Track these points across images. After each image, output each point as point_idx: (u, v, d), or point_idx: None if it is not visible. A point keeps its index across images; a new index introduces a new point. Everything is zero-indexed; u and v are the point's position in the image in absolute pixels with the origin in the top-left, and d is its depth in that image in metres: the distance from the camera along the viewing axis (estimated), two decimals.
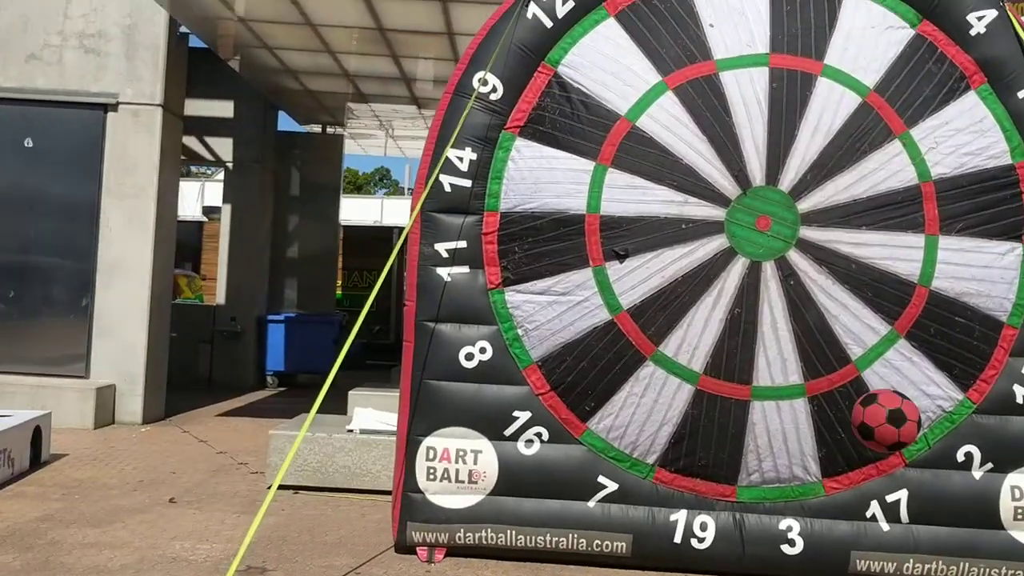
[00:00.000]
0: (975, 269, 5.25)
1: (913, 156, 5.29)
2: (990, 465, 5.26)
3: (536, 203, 5.46)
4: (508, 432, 5.47)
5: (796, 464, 5.33)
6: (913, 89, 5.33)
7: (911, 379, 5.25)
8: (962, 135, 5.30)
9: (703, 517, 5.38)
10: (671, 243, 5.33)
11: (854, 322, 5.24)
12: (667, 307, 5.32)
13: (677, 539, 5.36)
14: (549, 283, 5.43)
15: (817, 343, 5.25)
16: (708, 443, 5.36)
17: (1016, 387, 5.26)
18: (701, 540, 5.35)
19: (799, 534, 5.30)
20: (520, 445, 5.47)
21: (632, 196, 5.38)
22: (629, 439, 5.43)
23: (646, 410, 5.38)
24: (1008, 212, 5.30)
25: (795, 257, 5.27)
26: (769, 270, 5.28)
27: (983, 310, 5.26)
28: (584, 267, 5.40)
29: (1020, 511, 5.23)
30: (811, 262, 5.26)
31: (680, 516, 5.38)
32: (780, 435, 5.31)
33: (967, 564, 5.21)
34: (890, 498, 5.29)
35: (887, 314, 5.18)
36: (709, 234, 5.32)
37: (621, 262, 5.36)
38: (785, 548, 5.29)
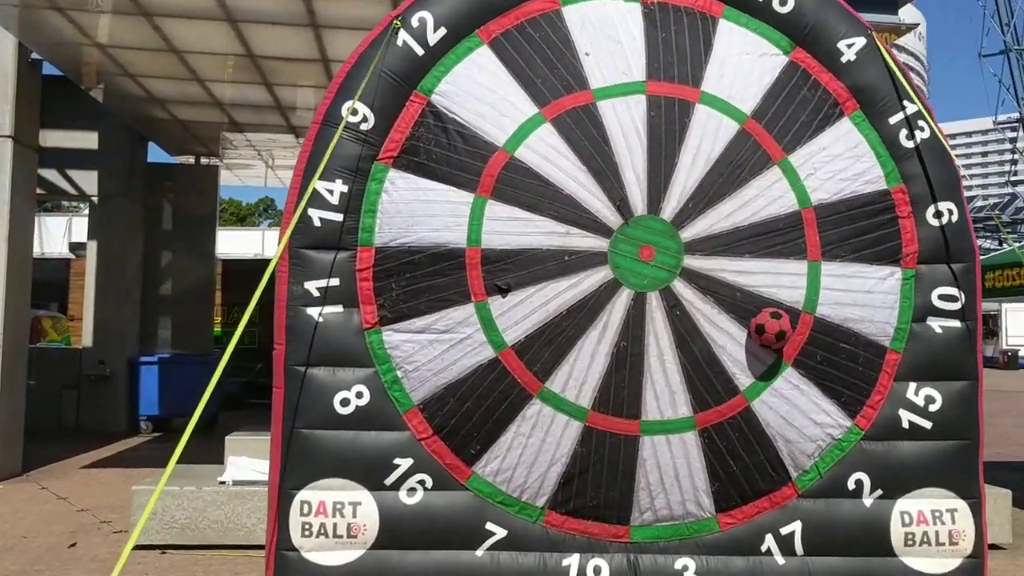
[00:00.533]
0: (858, 294, 5.23)
1: (793, 182, 5.25)
2: (880, 492, 5.22)
3: (413, 237, 5.17)
4: (389, 481, 5.13)
5: (689, 500, 5.17)
6: (790, 115, 5.30)
7: (800, 407, 5.17)
8: (839, 161, 5.29)
9: (596, 560, 5.16)
10: (555, 275, 5.12)
11: (741, 352, 5.13)
12: (552, 341, 5.10)
13: None
14: (429, 321, 5.14)
15: (705, 374, 5.11)
16: (599, 482, 5.15)
17: (901, 412, 5.25)
18: None
19: (695, 572, 5.13)
20: (402, 494, 5.14)
21: (514, 228, 5.15)
22: (517, 482, 5.16)
23: (534, 450, 5.13)
24: (886, 236, 5.31)
25: (680, 287, 5.14)
26: (655, 301, 5.13)
27: (867, 335, 5.24)
28: (466, 303, 5.13)
29: (910, 536, 5.20)
30: (696, 291, 5.14)
31: (573, 560, 5.14)
32: (672, 470, 5.14)
33: None
34: (784, 530, 5.18)
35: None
36: (593, 265, 5.13)
37: (504, 296, 5.12)
38: None
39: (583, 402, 5.10)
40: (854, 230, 5.28)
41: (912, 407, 5.25)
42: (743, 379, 5.13)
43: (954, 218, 5.37)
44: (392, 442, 5.14)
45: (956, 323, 5.33)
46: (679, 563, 5.15)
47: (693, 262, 5.15)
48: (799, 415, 5.17)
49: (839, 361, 5.20)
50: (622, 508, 5.17)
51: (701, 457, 5.13)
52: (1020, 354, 43.71)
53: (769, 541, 5.17)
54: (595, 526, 5.19)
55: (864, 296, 5.24)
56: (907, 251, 5.32)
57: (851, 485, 5.22)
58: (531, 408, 5.11)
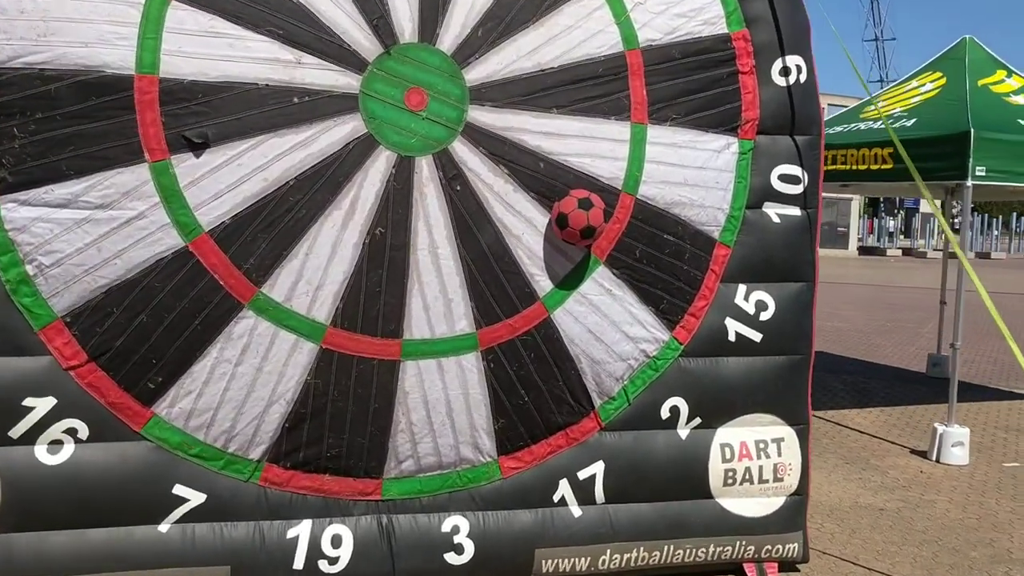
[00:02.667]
0: (688, 171, 3.98)
1: (617, 13, 3.82)
2: (698, 420, 4.15)
3: (47, 54, 3.24)
4: (17, 432, 3.35)
5: (465, 442, 3.81)
6: None
7: (612, 318, 3.91)
8: None
9: (336, 527, 3.71)
10: (278, 126, 3.42)
11: (542, 245, 3.75)
12: (273, 227, 3.45)
13: (298, 564, 3.65)
14: (77, 188, 3.29)
15: (494, 276, 3.70)
16: (341, 424, 3.65)
17: (728, 321, 4.15)
18: (334, 561, 3.68)
19: (468, 535, 3.83)
20: (39, 450, 3.39)
21: (213, 48, 3.36)
22: (221, 427, 3.55)
23: (246, 383, 3.53)
24: (725, 96, 4.07)
25: (462, 151, 3.63)
26: (426, 169, 3.59)
27: (695, 224, 4.03)
28: (136, 162, 3.32)
29: (731, 475, 4.19)
30: (485, 158, 3.65)
31: (302, 530, 3.67)
32: (443, 405, 3.74)
33: (671, 547, 4.10)
34: (583, 474, 3.98)
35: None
36: (336, 113, 3.48)
37: (198, 155, 3.36)
38: (450, 557, 3.80)
39: (319, 315, 3.53)
40: (688, 85, 3.98)
41: (740, 315, 4.16)
42: (543, 282, 3.77)
43: (802, 77, 4.21)
44: (19, 374, 3.33)
45: (796, 210, 4.25)
46: (448, 523, 3.83)
47: (481, 116, 3.64)
48: (609, 328, 3.92)
49: (661, 258, 3.97)
50: (373, 457, 3.72)
51: (484, 386, 3.77)
52: None
53: (563, 488, 3.96)
54: (334, 482, 3.72)
55: (696, 173, 4.00)
56: (746, 117, 4.12)
57: (665, 413, 4.10)
58: (241, 323, 3.47)
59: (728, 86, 4.06)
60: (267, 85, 3.40)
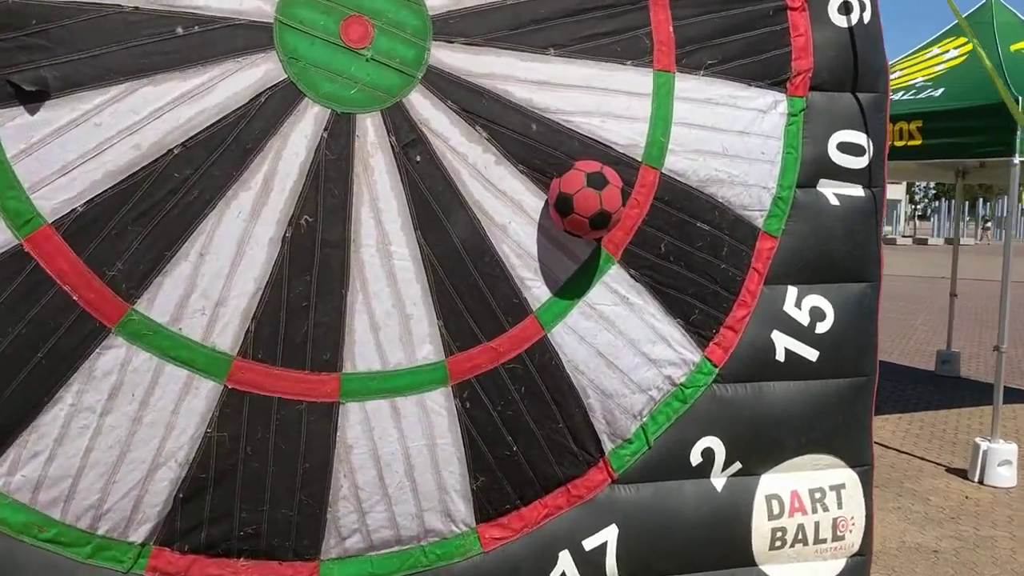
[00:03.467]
0: (728, 137, 2.98)
1: None
2: (737, 465, 3.16)
3: None
4: None
5: (431, 509, 2.78)
6: None
7: (629, 336, 2.90)
8: None
9: None
10: (154, 69, 2.35)
11: (535, 238, 2.72)
12: (150, 217, 2.38)
13: None
14: None
15: (470, 282, 2.67)
16: (258, 492, 2.60)
17: (776, 335, 3.16)
18: None
19: None
20: None
21: None
22: (86, 501, 2.49)
23: (118, 440, 2.46)
24: (770, 39, 3.07)
25: (423, 106, 2.59)
26: (372, 132, 2.55)
27: (735, 209, 3.03)
28: None
29: (780, 534, 3.21)
30: (455, 117, 2.62)
31: None
32: (400, 461, 2.70)
33: None
34: (590, 542, 2.97)
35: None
36: (241, 52, 2.42)
37: (33, 111, 2.29)
38: None
39: (221, 342, 2.47)
40: (726, 21, 2.97)
41: (791, 326, 3.18)
42: (537, 289, 2.74)
43: (866, 15, 3.23)
44: None
45: (858, 190, 3.28)
46: None
47: (449, 57, 2.60)
48: (626, 349, 2.90)
49: (693, 254, 2.97)
50: (305, 534, 2.67)
51: (457, 434, 2.73)
52: None
53: (564, 563, 2.95)
54: (253, 568, 2.67)
55: (736, 140, 3.00)
56: (797, 67, 3.12)
57: (695, 457, 3.10)
58: (107, 355, 2.40)
59: (775, 25, 3.06)
60: (137, 8, 2.33)
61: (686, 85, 2.87)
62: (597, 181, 2.57)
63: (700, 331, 3.04)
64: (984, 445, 5.72)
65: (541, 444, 2.84)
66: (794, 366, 3.20)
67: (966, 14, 7.35)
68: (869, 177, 3.28)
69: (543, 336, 2.76)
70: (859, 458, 3.36)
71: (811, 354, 3.21)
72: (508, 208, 2.67)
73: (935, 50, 7.13)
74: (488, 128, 2.63)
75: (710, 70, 2.91)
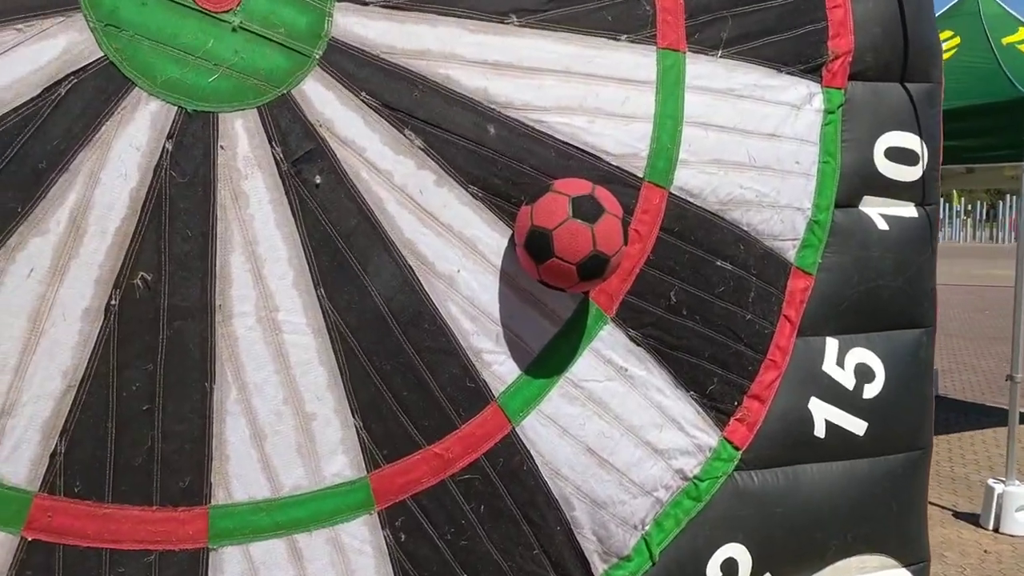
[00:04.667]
0: (754, 141, 2.18)
1: None
2: None
3: None
4: None
5: None
6: None
7: (628, 422, 2.08)
8: None
9: None
10: None
11: (497, 291, 1.88)
12: None
13: None
14: None
15: (401, 360, 1.81)
16: None
17: (814, 404, 2.38)
18: None
19: None
20: None
21: None
22: None
23: None
24: (801, 10, 2.28)
25: (323, 100, 1.73)
26: (243, 140, 1.68)
27: (764, 239, 2.24)
28: None
29: None
30: (373, 117, 1.76)
31: None
32: None
33: None
34: None
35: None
36: (27, 13, 1.54)
37: None
38: None
39: (10, 471, 1.59)
40: None
41: (833, 391, 2.41)
42: (500, 365, 1.89)
43: None
44: None
45: (910, 209, 2.51)
46: None
47: (362, 26, 1.76)
48: (625, 440, 2.08)
49: (712, 304, 2.16)
50: None
51: None
52: None
53: None
54: None
55: (765, 146, 2.20)
56: (835, 47, 2.34)
57: (713, 571, 2.30)
58: None
59: None
60: None
61: (700, 70, 2.06)
62: (588, 209, 1.74)
63: (718, 405, 2.24)
64: (999, 488, 5.04)
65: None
66: (837, 443, 2.42)
67: (949, 5, 6.79)
68: (923, 193, 2.53)
69: (509, 432, 1.91)
70: (916, 552, 2.60)
71: (858, 426, 2.43)
72: (455, 250, 1.82)
73: None
74: (423, 133, 1.78)
75: (730, 49, 2.11)
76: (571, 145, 1.90)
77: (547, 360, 1.94)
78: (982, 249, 39.26)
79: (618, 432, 2.05)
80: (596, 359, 2.00)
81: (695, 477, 2.26)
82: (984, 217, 50.70)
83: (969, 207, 50.39)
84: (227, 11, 1.62)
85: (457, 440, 1.86)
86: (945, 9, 6.79)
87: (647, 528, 2.21)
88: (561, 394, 1.96)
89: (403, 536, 1.86)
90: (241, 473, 1.71)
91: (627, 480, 2.10)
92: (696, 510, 2.28)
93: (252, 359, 1.68)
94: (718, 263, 2.14)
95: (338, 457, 1.77)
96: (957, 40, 6.33)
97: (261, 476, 1.72)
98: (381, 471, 1.81)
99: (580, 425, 1.99)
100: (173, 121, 1.60)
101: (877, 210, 2.47)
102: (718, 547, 2.30)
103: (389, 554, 1.86)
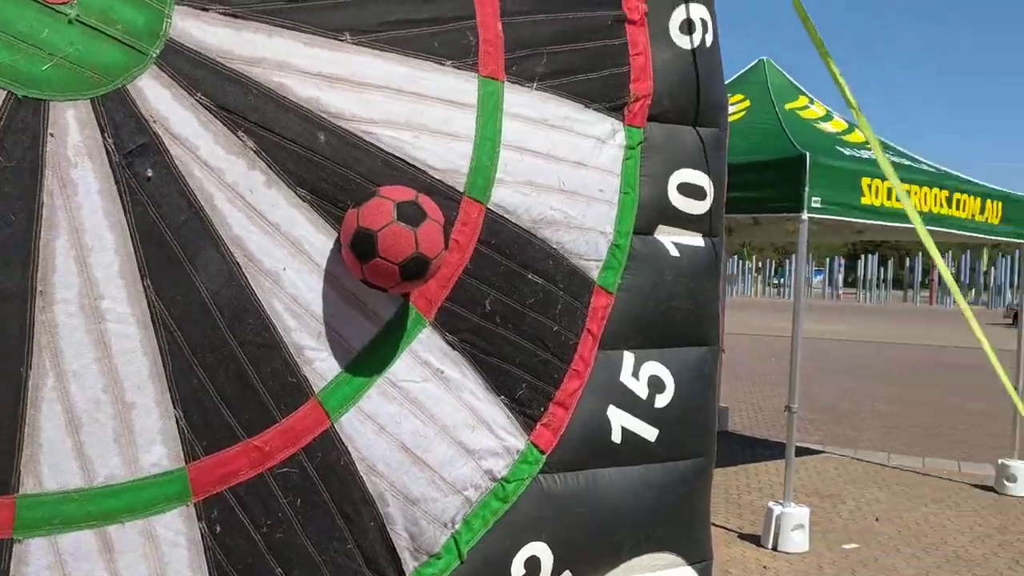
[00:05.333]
0: (565, 168, 2.39)
1: None
2: (567, 574, 2.52)
3: None
4: None
5: None
6: None
7: (442, 422, 2.21)
8: None
9: None
10: None
11: (321, 291, 1.97)
12: None
13: None
14: None
15: (224, 353, 1.86)
16: None
17: (612, 411, 2.60)
18: None
19: None
20: None
21: None
22: None
23: None
24: (607, 53, 2.54)
25: (160, 97, 1.79)
26: (75, 129, 1.71)
27: (571, 257, 2.45)
28: None
29: None
30: (207, 116, 1.83)
31: None
32: None
33: None
34: None
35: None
36: None
37: None
38: None
39: None
40: (562, 26, 2.40)
41: (629, 400, 2.64)
42: (321, 362, 1.98)
43: (708, 38, 2.80)
44: None
45: (698, 239, 2.81)
46: None
47: (200, 31, 1.82)
48: (438, 439, 2.20)
49: (524, 313, 2.34)
50: None
51: (203, 572, 1.90)
52: None
53: None
54: None
55: (574, 173, 2.43)
56: (636, 90, 2.62)
57: (518, 569, 2.45)
58: None
59: (613, 38, 2.54)
60: None
61: (518, 99, 2.26)
62: (412, 214, 1.87)
63: (527, 410, 2.41)
64: (777, 510, 5.50)
65: (323, 573, 2.06)
66: (631, 448, 2.64)
67: (741, 72, 7.43)
68: (710, 225, 2.83)
69: (328, 427, 2.00)
70: (699, 551, 2.86)
71: (650, 433, 2.67)
72: (282, 248, 1.90)
73: None
74: (256, 136, 1.86)
75: (544, 83, 2.32)
76: (397, 157, 2.04)
77: (367, 359, 2.04)
78: (771, 303, 42.45)
79: (432, 431, 2.18)
80: (414, 360, 2.12)
81: (503, 478, 2.40)
82: (772, 273, 54.99)
83: (760, 264, 54.45)
84: (64, 3, 1.65)
85: (277, 434, 1.92)
86: (737, 75, 7.45)
87: (457, 527, 2.34)
88: (379, 392, 2.06)
89: (219, 528, 1.89)
90: (54, 461, 1.70)
91: (439, 478, 2.23)
92: (503, 511, 2.43)
93: (72, 346, 1.68)
94: (530, 276, 2.33)
95: (156, 447, 1.79)
96: (747, 103, 6.95)
97: (75, 464, 1.71)
98: (200, 462, 1.84)
99: (397, 423, 2.10)
100: (2, 106, 1.61)
101: (670, 238, 2.75)
102: (523, 546, 2.46)
103: (204, 546, 1.88)
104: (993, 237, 6.95)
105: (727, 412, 9.16)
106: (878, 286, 53.86)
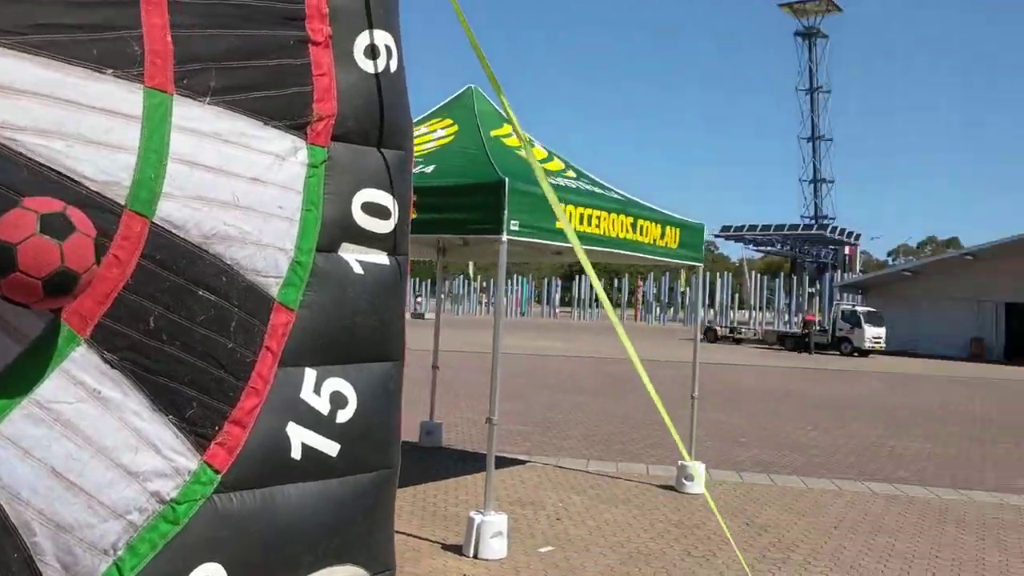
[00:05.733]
0: (239, 184, 2.38)
1: None
2: None
3: None
4: None
5: None
6: None
7: (100, 443, 2.12)
8: None
9: None
10: None
11: None
12: None
13: None
14: None
15: None
16: None
17: (291, 428, 2.62)
18: None
19: None
20: None
21: None
22: None
23: None
24: (289, 73, 2.57)
25: None
26: None
27: (247, 274, 2.44)
28: None
29: None
30: None
31: None
32: None
33: None
34: None
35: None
36: None
37: None
38: None
39: None
40: (240, 42, 2.40)
41: (309, 417, 2.67)
42: None
43: (392, 64, 2.92)
44: None
45: (383, 257, 2.91)
46: None
47: None
48: (95, 462, 2.11)
49: (193, 331, 2.30)
50: None
51: None
52: None
53: None
54: None
55: (250, 189, 2.43)
56: (320, 110, 2.67)
57: None
58: None
59: (296, 58, 2.58)
60: None
61: (188, 112, 2.23)
62: (57, 227, 1.79)
63: (198, 429, 2.37)
64: (478, 519, 5.73)
65: None
66: (312, 464, 2.67)
67: (451, 97, 7.69)
68: (394, 243, 2.93)
69: None
70: (383, 563, 2.93)
71: (331, 448, 2.72)
72: None
73: (423, 128, 7.30)
74: None
75: (218, 98, 2.30)
76: (48, 167, 1.94)
77: (10, 380, 1.91)
78: (492, 322, 44.02)
79: (87, 454, 2.07)
80: (66, 380, 2.01)
81: (172, 500, 2.34)
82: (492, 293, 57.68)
83: (484, 284, 56.68)
84: None
85: None
86: (447, 100, 7.70)
87: (120, 553, 2.24)
88: (24, 415, 1.94)
89: None
90: None
91: (96, 503, 2.12)
92: (173, 533, 2.36)
93: None
94: (200, 293, 2.29)
95: None
96: (456, 128, 7.22)
97: None
98: None
99: (45, 447, 1.99)
100: None
101: (354, 256, 2.82)
102: (194, 567, 2.40)
103: None
104: (673, 260, 7.68)
105: (440, 428, 9.39)
106: (591, 305, 57.75)
